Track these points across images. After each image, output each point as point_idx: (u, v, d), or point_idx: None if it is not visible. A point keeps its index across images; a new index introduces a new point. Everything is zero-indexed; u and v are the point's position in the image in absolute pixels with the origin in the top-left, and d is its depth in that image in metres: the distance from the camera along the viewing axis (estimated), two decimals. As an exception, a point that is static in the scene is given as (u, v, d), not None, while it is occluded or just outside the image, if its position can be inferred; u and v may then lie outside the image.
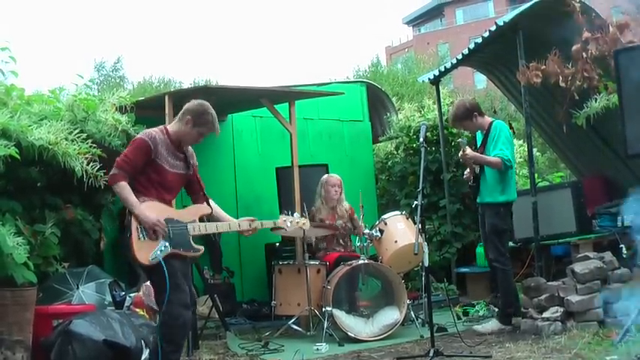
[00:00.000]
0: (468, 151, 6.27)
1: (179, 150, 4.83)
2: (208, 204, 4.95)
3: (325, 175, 7.85)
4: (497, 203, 6.33)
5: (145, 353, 5.17)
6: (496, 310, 7.22)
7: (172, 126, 4.86)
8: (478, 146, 6.58)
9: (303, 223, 5.34)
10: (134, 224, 4.52)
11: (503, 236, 6.41)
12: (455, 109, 6.59)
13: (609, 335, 5.31)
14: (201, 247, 4.87)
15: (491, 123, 6.43)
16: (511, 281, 6.41)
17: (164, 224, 4.57)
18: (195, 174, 4.98)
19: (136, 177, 4.65)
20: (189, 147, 4.96)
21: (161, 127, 4.87)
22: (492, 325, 6.29)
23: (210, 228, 4.97)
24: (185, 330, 4.75)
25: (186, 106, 4.84)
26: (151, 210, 4.57)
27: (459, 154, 6.38)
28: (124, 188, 4.54)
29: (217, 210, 5.01)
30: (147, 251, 4.50)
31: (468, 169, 6.53)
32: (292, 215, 5.29)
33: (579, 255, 6.39)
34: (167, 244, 4.56)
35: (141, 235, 4.52)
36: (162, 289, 4.50)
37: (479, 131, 6.57)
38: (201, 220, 4.90)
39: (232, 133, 9.31)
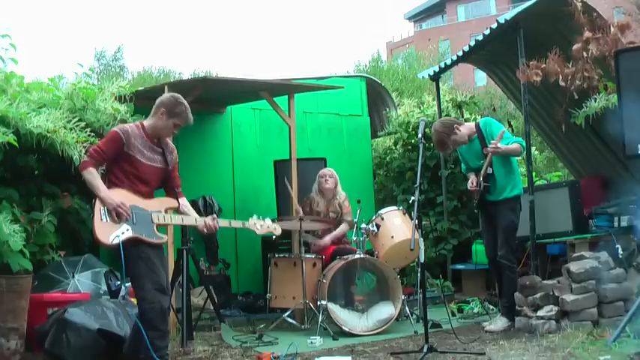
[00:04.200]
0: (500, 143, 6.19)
1: (156, 144, 4.91)
2: (177, 198, 5.00)
3: (321, 169, 7.85)
4: (512, 197, 6.35)
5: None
6: (492, 307, 7.24)
7: (147, 120, 4.95)
8: (464, 155, 6.63)
9: (274, 228, 5.32)
10: (97, 206, 4.59)
11: (516, 233, 6.44)
12: (435, 134, 6.47)
13: (603, 335, 5.32)
14: (165, 236, 4.91)
15: (477, 124, 6.45)
16: (517, 279, 6.40)
17: (127, 207, 4.62)
18: (174, 170, 5.03)
19: (110, 169, 4.77)
20: (170, 142, 5.03)
21: (137, 122, 4.99)
22: (502, 323, 6.28)
23: (176, 220, 5.02)
24: (164, 315, 4.76)
25: (159, 99, 4.94)
26: (117, 195, 4.64)
27: (490, 147, 6.18)
28: (91, 173, 4.64)
29: (185, 207, 5.05)
30: (108, 232, 4.55)
31: (473, 180, 6.48)
32: (264, 220, 5.28)
33: (575, 254, 6.39)
34: (129, 227, 4.61)
35: (103, 217, 4.57)
36: (133, 275, 4.61)
37: (462, 145, 6.56)
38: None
39: (231, 125, 9.33)
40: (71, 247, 6.71)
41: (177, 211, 5.00)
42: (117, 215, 4.57)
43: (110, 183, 4.71)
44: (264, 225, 5.25)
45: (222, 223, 5.10)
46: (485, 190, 6.37)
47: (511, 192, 6.35)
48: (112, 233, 4.55)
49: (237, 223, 5.32)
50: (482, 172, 6.33)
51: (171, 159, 4.98)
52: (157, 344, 4.59)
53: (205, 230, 5.03)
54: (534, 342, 5.37)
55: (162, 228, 4.96)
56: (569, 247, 7.23)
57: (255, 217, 5.26)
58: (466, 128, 6.49)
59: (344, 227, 7.57)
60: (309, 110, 9.72)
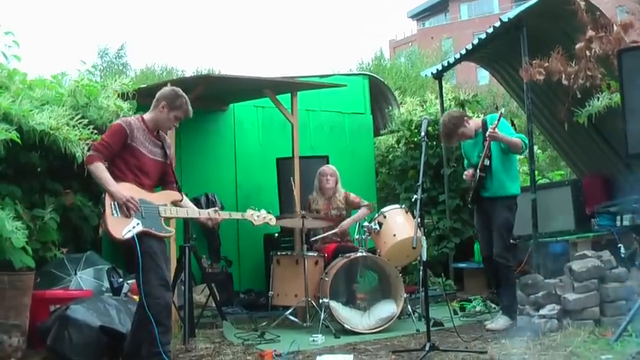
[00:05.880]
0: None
1: (156, 138, 5.00)
2: (180, 191, 5.10)
3: (322, 167, 7.85)
4: (509, 196, 6.35)
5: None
6: (494, 306, 7.23)
7: (148, 114, 5.04)
8: (467, 151, 6.62)
9: (270, 219, 5.49)
10: (108, 201, 4.64)
11: (511, 231, 6.43)
12: (443, 127, 6.47)
13: (605, 334, 5.33)
14: (172, 230, 5.04)
15: (483, 121, 6.44)
16: (514, 277, 6.40)
17: (137, 201, 4.70)
18: (172, 164, 5.12)
19: (114, 161, 4.81)
20: (167, 138, 5.14)
21: (137, 115, 5.08)
22: (504, 321, 6.27)
23: (181, 212, 5.14)
24: (168, 310, 4.82)
25: (159, 93, 5.05)
26: (125, 189, 4.70)
27: (488, 132, 6.15)
28: (99, 167, 4.69)
29: (186, 201, 5.19)
30: (120, 227, 4.61)
31: (470, 170, 6.47)
32: (259, 211, 5.44)
33: (577, 253, 6.38)
34: (139, 222, 4.69)
35: (114, 212, 4.63)
36: (139, 269, 4.61)
37: (468, 141, 6.55)
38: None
39: (234, 122, 9.32)
40: (73, 244, 6.71)
41: (179, 204, 5.08)
42: (127, 209, 4.63)
43: (114, 177, 4.74)
44: (260, 215, 5.42)
45: (224, 215, 5.29)
46: (481, 181, 6.35)
47: (509, 190, 6.35)
48: (124, 228, 4.61)
49: (236, 215, 5.53)
50: (480, 162, 6.31)
51: (170, 153, 5.08)
52: (160, 339, 4.60)
53: (210, 223, 5.24)
54: (536, 341, 5.37)
55: (167, 221, 5.03)
56: (572, 246, 7.24)
57: (251, 208, 5.43)
58: (474, 123, 6.50)
59: (364, 210, 7.53)
60: (311, 108, 9.70)
